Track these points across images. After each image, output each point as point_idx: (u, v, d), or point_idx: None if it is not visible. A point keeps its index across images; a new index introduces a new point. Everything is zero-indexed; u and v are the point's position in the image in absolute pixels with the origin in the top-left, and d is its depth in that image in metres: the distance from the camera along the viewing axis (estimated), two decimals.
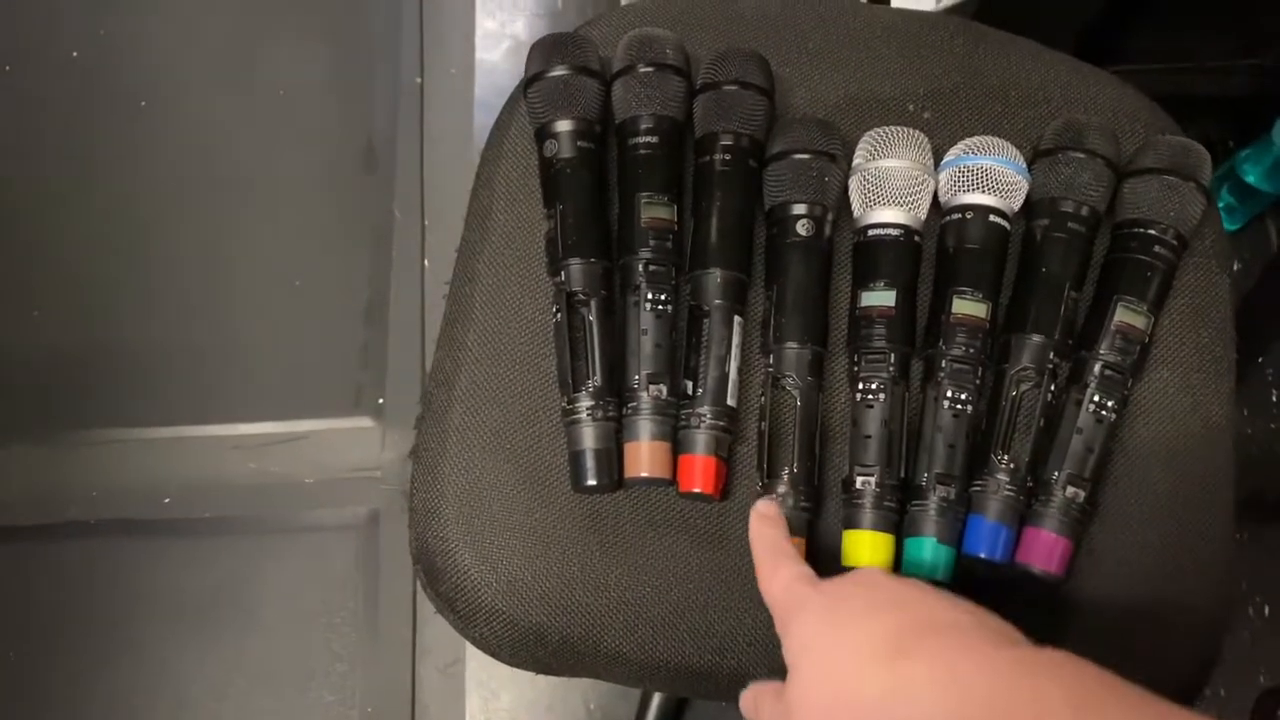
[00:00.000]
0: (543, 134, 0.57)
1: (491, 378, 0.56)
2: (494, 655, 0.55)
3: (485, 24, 1.35)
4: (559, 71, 0.56)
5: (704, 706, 1.09)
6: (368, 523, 1.16)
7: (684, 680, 0.54)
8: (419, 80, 1.31)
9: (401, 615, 1.12)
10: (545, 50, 0.57)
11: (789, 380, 0.54)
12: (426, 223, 1.27)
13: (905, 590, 0.41)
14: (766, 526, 0.49)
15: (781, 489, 0.52)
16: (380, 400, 1.19)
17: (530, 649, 0.54)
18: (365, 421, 1.19)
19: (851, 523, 0.53)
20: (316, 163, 1.28)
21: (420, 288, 1.24)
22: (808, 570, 0.45)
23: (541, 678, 1.07)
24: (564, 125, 0.56)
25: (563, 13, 1.36)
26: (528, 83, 0.57)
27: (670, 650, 0.53)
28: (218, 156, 1.27)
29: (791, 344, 0.54)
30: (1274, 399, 1.22)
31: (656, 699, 1.04)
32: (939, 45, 0.63)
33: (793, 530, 0.51)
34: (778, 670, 0.42)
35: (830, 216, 0.56)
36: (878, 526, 0.52)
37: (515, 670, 1.08)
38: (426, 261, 1.25)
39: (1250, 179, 1.15)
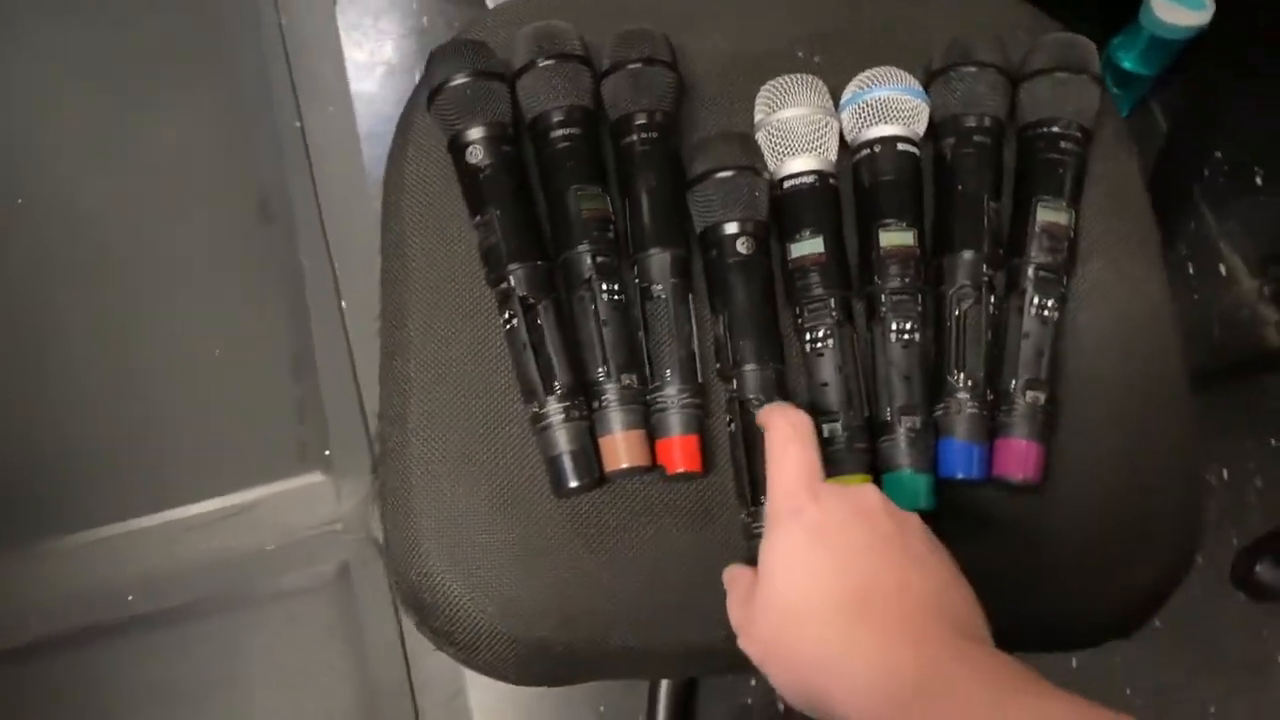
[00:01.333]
0: (459, 144, 0.56)
1: (443, 403, 0.55)
2: (502, 679, 0.54)
3: (354, 55, 1.33)
4: (463, 79, 0.55)
5: (713, 703, 1.09)
6: (338, 577, 1.14)
7: (693, 662, 0.54)
8: (298, 124, 1.29)
9: (393, 659, 1.10)
10: (444, 60, 0.56)
11: (754, 403, 0.53)
12: (336, 264, 1.24)
13: (896, 535, 0.41)
14: (789, 411, 0.46)
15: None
16: (326, 452, 1.17)
17: (538, 664, 0.54)
18: (315, 476, 1.17)
19: (828, 471, 0.53)
20: (212, 225, 1.24)
21: (343, 330, 1.22)
22: (816, 465, 0.44)
23: (547, 693, 1.07)
24: (482, 131, 0.55)
25: (429, 30, 1.34)
26: (432, 94, 0.56)
27: (674, 635, 0.53)
28: (111, 239, 1.23)
29: (750, 366, 0.53)
30: (1190, 272, 1.26)
31: (664, 697, 1.04)
32: None
33: None
34: None
35: (764, 232, 0.56)
36: (854, 470, 0.52)
37: (518, 691, 1.08)
38: (344, 303, 1.23)
39: (1127, 65, 1.18)
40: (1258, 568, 1.13)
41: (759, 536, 0.51)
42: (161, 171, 1.26)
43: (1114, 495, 0.55)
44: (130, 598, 1.12)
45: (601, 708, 1.09)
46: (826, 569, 0.39)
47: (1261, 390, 1.23)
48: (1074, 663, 1.12)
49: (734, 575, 0.46)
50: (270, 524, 1.15)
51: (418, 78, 1.28)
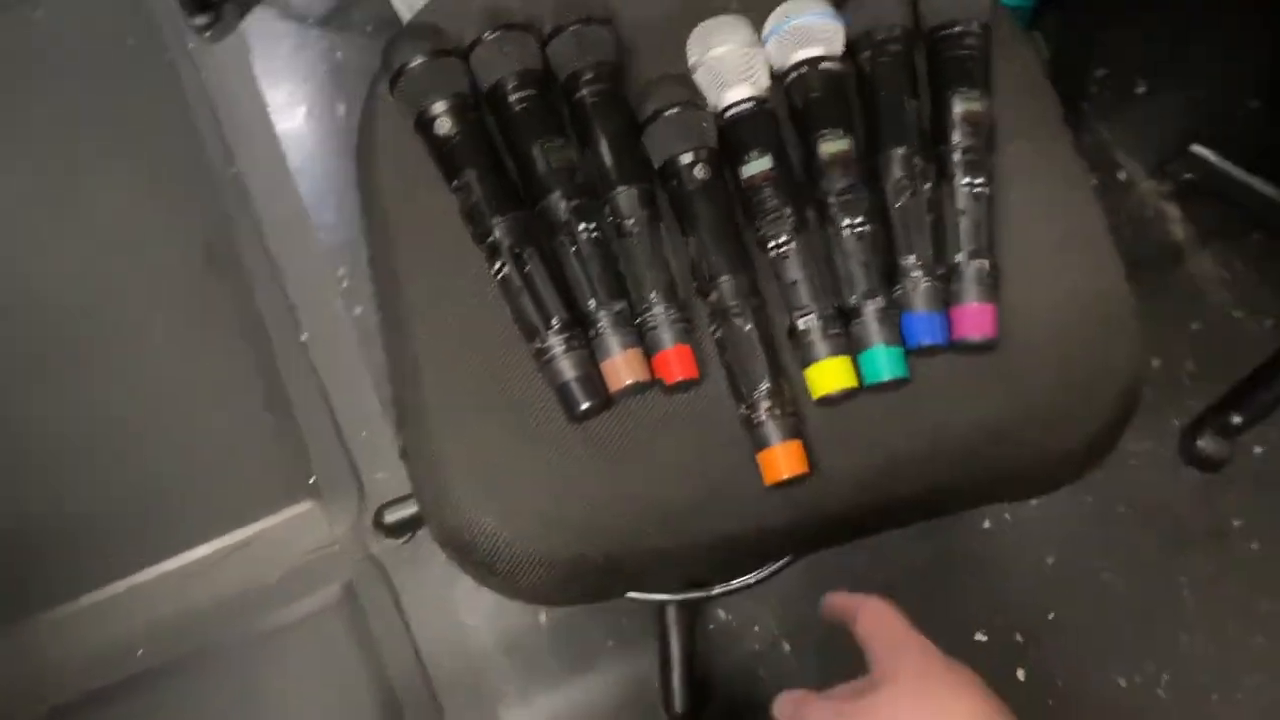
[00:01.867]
0: (425, 119, 0.60)
1: (451, 356, 0.59)
2: (546, 602, 0.59)
3: (273, 97, 1.37)
4: (421, 59, 0.60)
5: (722, 655, 1.14)
6: (344, 597, 1.17)
7: (719, 551, 0.59)
8: (234, 170, 1.32)
9: (410, 668, 1.14)
10: (401, 46, 0.61)
11: (735, 308, 0.58)
12: (291, 298, 1.27)
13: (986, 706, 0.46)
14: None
15: (766, 404, 0.57)
16: (311, 480, 1.20)
17: (578, 581, 0.58)
18: (304, 505, 1.20)
19: (809, 359, 0.58)
20: (166, 280, 1.27)
21: (308, 360, 1.25)
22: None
23: (569, 682, 1.11)
24: (445, 104, 0.60)
25: (344, 63, 1.38)
26: (394, 79, 0.60)
27: (704, 528, 0.57)
28: (68, 309, 1.25)
29: (725, 277, 0.59)
30: (1093, 183, 1.34)
31: (676, 657, 1.09)
32: None
33: (788, 435, 0.57)
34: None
35: (716, 159, 0.61)
36: (834, 353, 0.58)
37: (538, 678, 1.11)
38: (305, 335, 1.26)
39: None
40: (1200, 442, 1.21)
41: (760, 424, 0.56)
42: (106, 236, 1.28)
43: (1060, 344, 0.61)
44: (140, 652, 1.14)
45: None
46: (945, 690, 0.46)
47: (1176, 281, 1.32)
48: (1050, 560, 1.20)
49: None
50: (268, 557, 1.17)
51: (341, 110, 1.34)
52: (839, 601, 0.54)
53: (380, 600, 1.17)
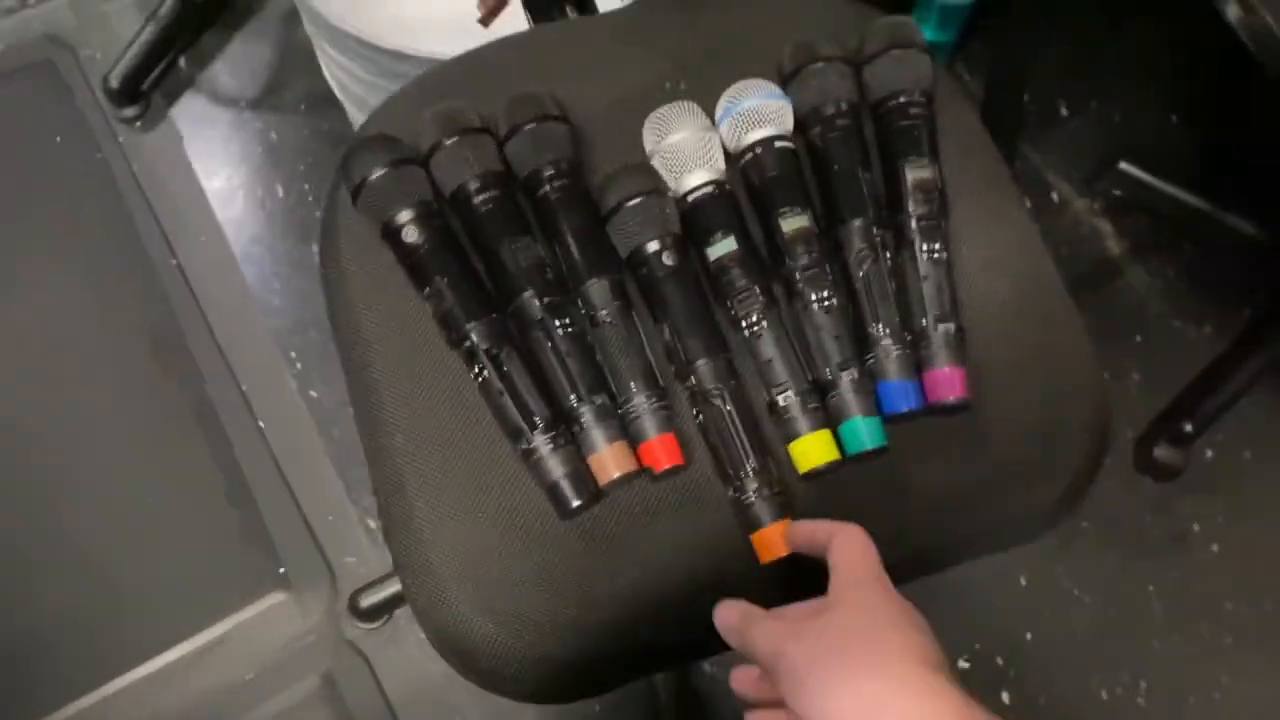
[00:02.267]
0: (392, 228, 0.60)
1: (436, 462, 0.59)
2: (556, 701, 0.58)
3: (210, 183, 1.35)
4: (382, 170, 0.60)
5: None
6: (324, 687, 1.15)
7: (717, 641, 0.59)
8: (174, 262, 1.30)
9: None
10: (360, 159, 0.61)
11: (713, 391, 0.59)
12: (244, 386, 1.26)
13: (902, 610, 0.48)
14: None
15: (753, 485, 0.58)
16: (281, 570, 1.18)
17: (585, 678, 0.58)
18: (277, 596, 1.17)
19: (791, 434, 0.59)
20: (110, 380, 1.24)
21: (267, 448, 1.24)
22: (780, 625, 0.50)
23: None
24: (410, 213, 0.60)
25: (280, 144, 1.37)
26: (355, 192, 0.60)
27: (703, 612, 0.58)
28: (18, 418, 1.22)
29: (703, 360, 0.59)
30: (1028, 206, 1.38)
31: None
32: (661, 25, 0.71)
33: (778, 515, 0.57)
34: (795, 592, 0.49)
35: (682, 244, 0.62)
36: (815, 427, 0.59)
37: None
38: (261, 423, 1.25)
39: (927, 35, 1.30)
40: (1156, 452, 1.25)
41: (750, 505, 0.57)
42: (46, 337, 1.25)
43: (1027, 400, 0.62)
44: None
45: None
46: (890, 627, 0.46)
47: (1116, 295, 1.36)
48: (1023, 581, 1.22)
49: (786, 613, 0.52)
50: (244, 653, 1.15)
51: (280, 191, 1.33)
52: (809, 529, 0.54)
53: (361, 686, 1.15)
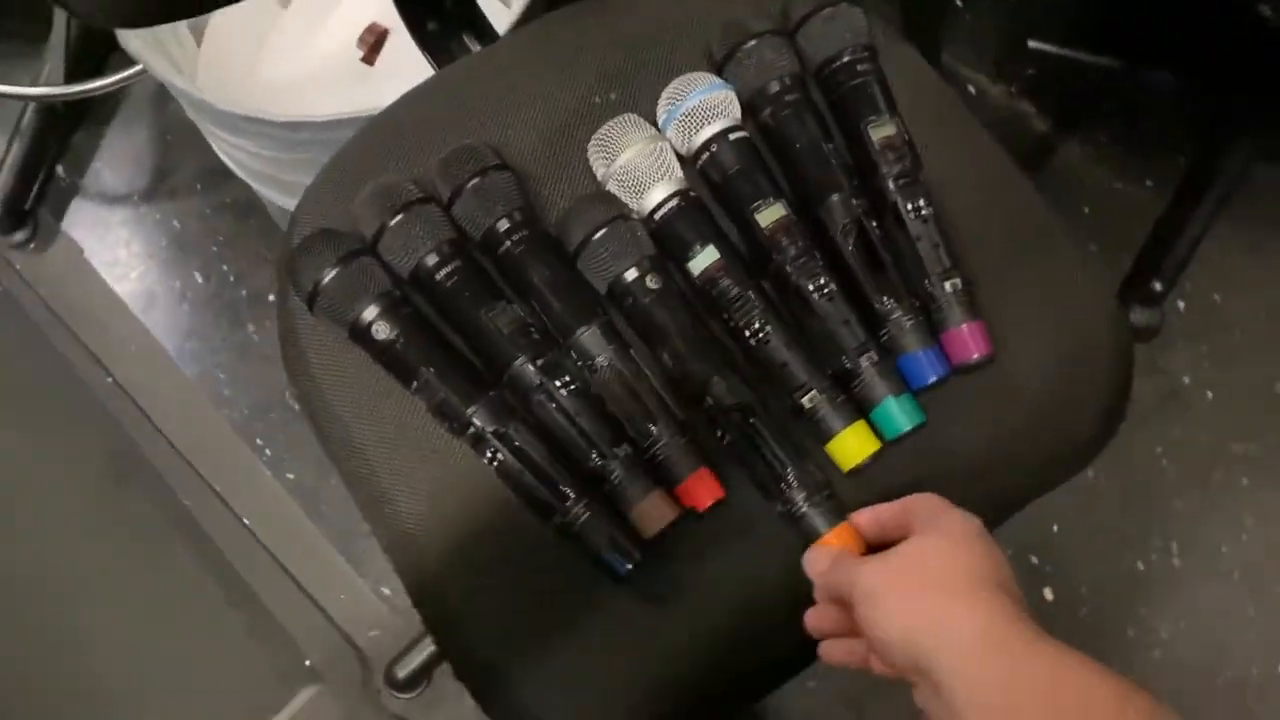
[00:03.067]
0: (360, 328, 0.56)
1: (469, 558, 0.56)
2: None
3: (125, 290, 1.28)
4: (333, 271, 0.56)
5: None
6: None
7: (790, 666, 0.58)
8: (109, 379, 1.23)
9: None
10: (306, 264, 0.56)
11: (734, 408, 0.56)
12: (218, 487, 1.20)
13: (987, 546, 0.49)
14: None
15: (801, 495, 0.55)
16: (307, 662, 1.14)
17: None
18: (310, 690, 1.14)
19: (826, 434, 0.56)
20: (79, 517, 1.18)
21: (258, 544, 1.19)
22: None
23: None
24: (375, 308, 0.56)
25: (183, 230, 1.30)
26: (311, 298, 0.56)
27: (776, 640, 0.56)
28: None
29: (715, 379, 0.56)
30: None
31: None
32: (572, 38, 0.67)
33: (835, 519, 0.55)
34: None
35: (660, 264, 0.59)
36: (849, 421, 0.56)
37: None
38: (245, 520, 1.20)
39: None
40: (1130, 315, 1.25)
41: (803, 517, 0.54)
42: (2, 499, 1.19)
43: (1045, 332, 0.60)
44: None
45: None
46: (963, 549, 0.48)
47: (1053, 172, 1.35)
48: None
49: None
50: None
51: (198, 278, 1.27)
52: (873, 517, 0.54)
53: None
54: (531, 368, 0.56)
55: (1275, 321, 1.27)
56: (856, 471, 0.57)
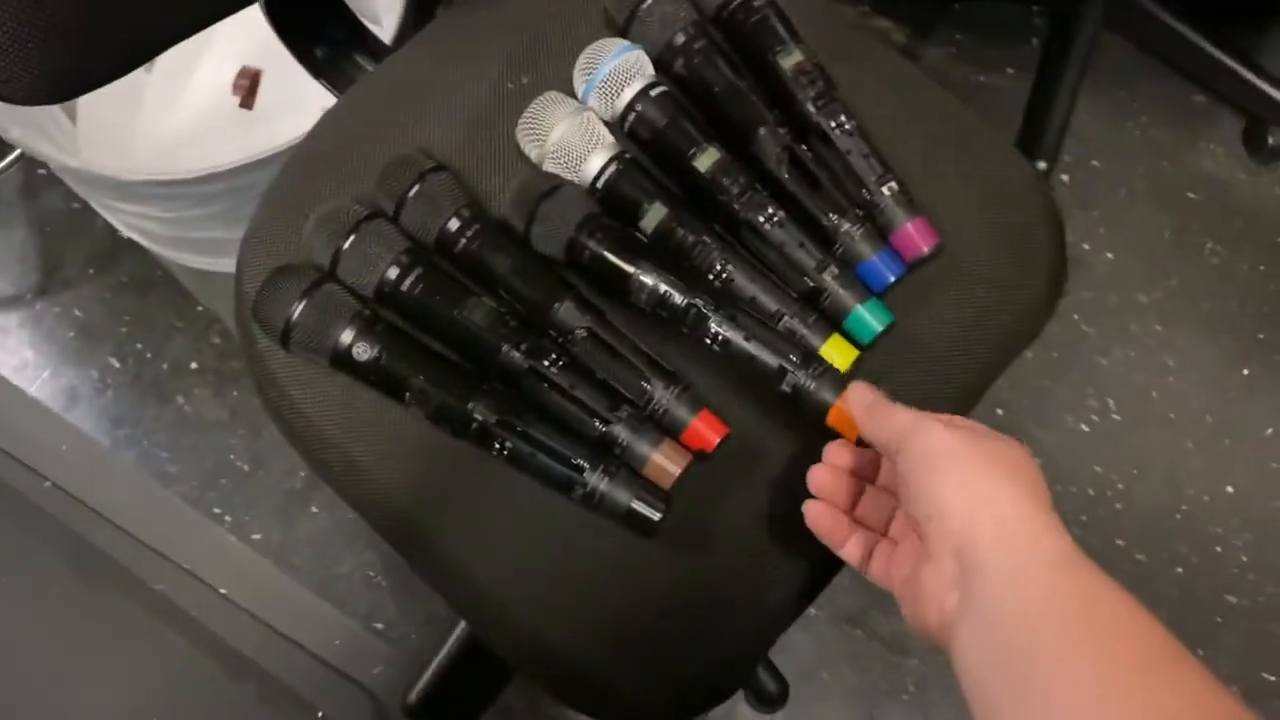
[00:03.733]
0: (340, 353, 0.56)
1: (502, 557, 0.57)
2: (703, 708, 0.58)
3: (41, 393, 1.24)
4: (303, 304, 0.56)
5: None
6: None
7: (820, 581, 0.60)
8: (47, 484, 1.20)
9: None
10: (272, 304, 0.57)
11: (723, 316, 0.57)
12: (187, 565, 1.18)
13: (998, 438, 0.47)
14: (866, 395, 0.52)
15: (805, 371, 0.55)
16: (320, 715, 1.13)
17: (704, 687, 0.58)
18: None
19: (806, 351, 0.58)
20: (56, 629, 1.15)
21: (241, 611, 1.17)
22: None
23: None
24: (351, 331, 0.56)
25: (87, 320, 1.26)
26: (284, 336, 0.57)
27: (807, 561, 0.58)
28: None
29: (699, 297, 0.57)
30: None
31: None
32: (469, 34, 0.68)
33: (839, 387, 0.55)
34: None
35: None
36: (826, 335, 0.58)
37: None
38: (223, 590, 1.18)
39: None
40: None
41: (824, 374, 0.55)
42: None
43: (982, 213, 0.64)
44: None
45: None
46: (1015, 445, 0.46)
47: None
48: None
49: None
50: None
51: (115, 363, 1.23)
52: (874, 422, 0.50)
53: None
54: (517, 354, 0.57)
55: (1150, 174, 1.35)
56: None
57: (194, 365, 1.24)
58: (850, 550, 0.51)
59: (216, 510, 1.20)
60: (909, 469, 0.46)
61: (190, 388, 1.23)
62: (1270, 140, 1.33)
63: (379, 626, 1.17)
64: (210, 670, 1.14)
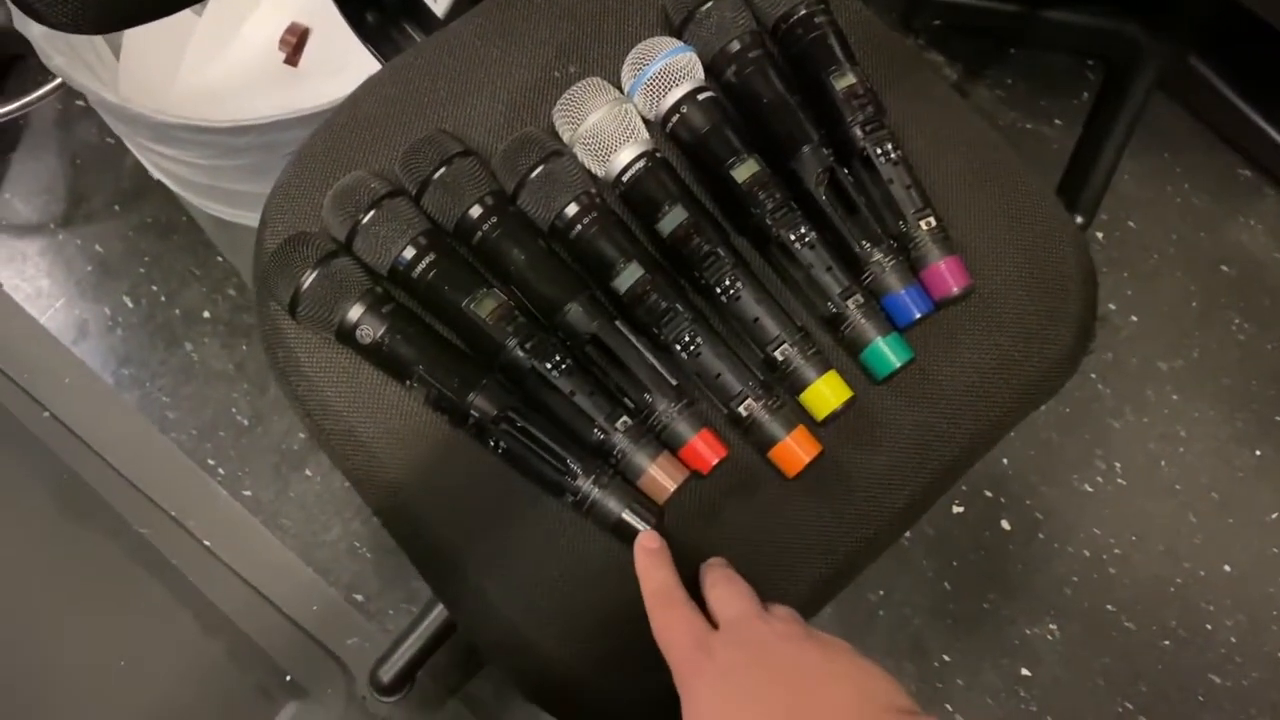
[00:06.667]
0: (346, 330, 0.56)
1: (492, 548, 0.56)
2: None
3: (52, 322, 1.24)
4: (313, 275, 0.55)
5: None
6: None
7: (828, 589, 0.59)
8: (46, 414, 1.19)
9: None
10: (283, 271, 0.56)
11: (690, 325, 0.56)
12: (174, 513, 1.17)
13: (796, 658, 0.44)
14: (654, 567, 0.51)
15: (759, 391, 0.56)
16: (289, 678, 1.13)
17: None
18: (294, 707, 1.13)
19: (800, 385, 0.57)
20: (32, 559, 1.14)
21: (222, 565, 1.17)
22: (700, 623, 0.48)
23: None
24: (360, 308, 0.55)
25: (106, 255, 1.26)
26: (292, 306, 0.56)
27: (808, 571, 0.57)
28: None
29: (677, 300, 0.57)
30: None
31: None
32: (523, 17, 0.67)
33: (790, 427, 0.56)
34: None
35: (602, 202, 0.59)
36: (821, 371, 0.57)
37: None
38: (206, 542, 1.17)
39: None
40: None
41: (779, 409, 0.56)
42: None
43: (1016, 258, 0.63)
44: None
45: None
46: (741, 711, 0.43)
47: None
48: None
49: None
50: None
51: (129, 302, 1.23)
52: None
53: None
54: (522, 352, 0.56)
55: (1185, 242, 1.33)
56: (831, 420, 0.58)
57: (206, 314, 1.23)
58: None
59: (210, 462, 1.19)
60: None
61: (200, 336, 1.23)
62: None
63: (359, 598, 1.16)
64: (183, 620, 1.13)
